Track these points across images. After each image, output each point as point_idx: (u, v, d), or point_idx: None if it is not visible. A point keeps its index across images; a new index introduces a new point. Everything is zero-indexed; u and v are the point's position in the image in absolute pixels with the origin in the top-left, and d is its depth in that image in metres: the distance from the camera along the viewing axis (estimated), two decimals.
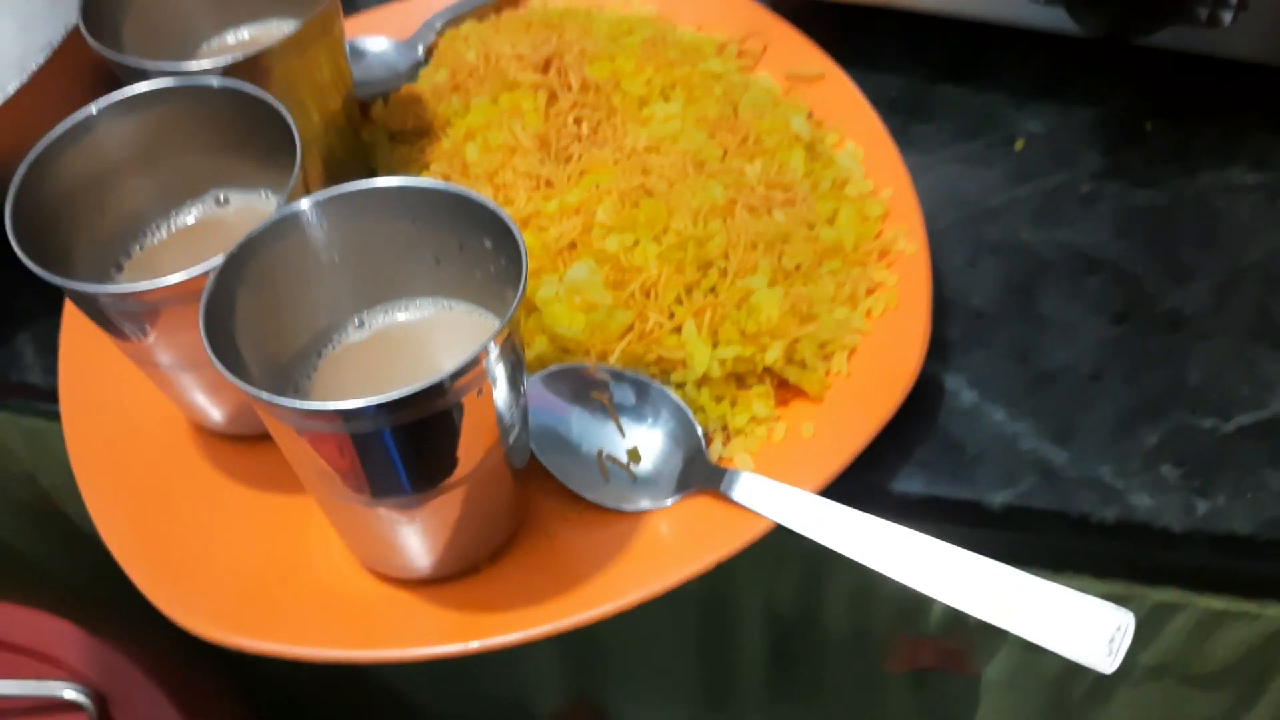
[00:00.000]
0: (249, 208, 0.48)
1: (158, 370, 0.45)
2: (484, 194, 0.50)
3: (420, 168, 0.54)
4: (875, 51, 0.60)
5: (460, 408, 0.37)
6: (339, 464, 0.37)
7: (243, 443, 0.48)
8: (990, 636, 0.53)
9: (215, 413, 0.47)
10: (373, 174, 0.56)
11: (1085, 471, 0.46)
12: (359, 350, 0.43)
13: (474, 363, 0.35)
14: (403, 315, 0.44)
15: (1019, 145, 0.56)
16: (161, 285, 0.39)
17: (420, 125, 0.56)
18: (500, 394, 0.38)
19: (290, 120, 0.43)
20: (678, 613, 0.43)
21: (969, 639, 0.54)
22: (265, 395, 0.34)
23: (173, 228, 0.48)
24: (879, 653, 0.58)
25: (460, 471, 0.39)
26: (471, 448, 0.39)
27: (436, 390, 0.35)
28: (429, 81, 0.58)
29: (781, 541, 0.43)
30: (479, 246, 0.41)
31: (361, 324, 0.44)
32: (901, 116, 0.58)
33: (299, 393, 0.42)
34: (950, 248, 0.53)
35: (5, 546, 0.68)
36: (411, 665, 0.43)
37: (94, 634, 0.64)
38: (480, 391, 0.37)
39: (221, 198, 0.49)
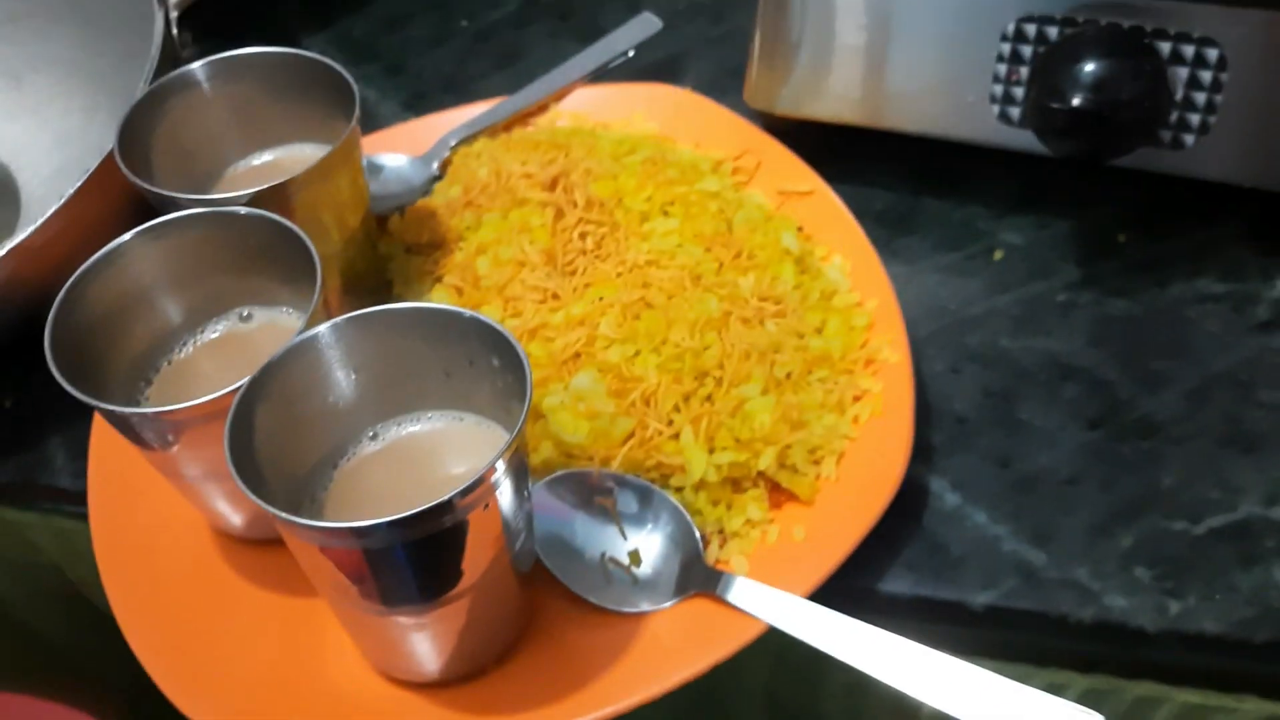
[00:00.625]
0: (272, 323, 0.51)
1: (182, 480, 0.48)
2: (494, 306, 0.53)
3: (434, 280, 0.57)
4: (862, 167, 0.63)
5: (468, 523, 0.39)
6: (352, 576, 0.40)
7: (261, 547, 0.51)
8: None
9: (235, 519, 0.50)
10: (389, 285, 0.59)
11: (1063, 573, 0.48)
12: (373, 462, 0.46)
13: (480, 481, 0.38)
14: (415, 427, 0.47)
15: (998, 256, 0.59)
16: (187, 406, 0.42)
17: (434, 238, 0.59)
18: (506, 506, 0.41)
19: (311, 246, 0.46)
20: (675, 703, 0.45)
21: None
22: (284, 515, 0.37)
23: (199, 342, 0.51)
24: None
25: (469, 580, 0.41)
26: (480, 557, 0.41)
27: (445, 508, 0.37)
28: (443, 196, 0.62)
29: (779, 637, 0.45)
30: (487, 363, 0.44)
31: (375, 436, 0.47)
32: (887, 229, 0.61)
33: (315, 504, 0.44)
34: (933, 355, 0.56)
35: (30, 633, 0.70)
36: None
37: None
38: (487, 506, 0.39)
39: (245, 314, 0.52)
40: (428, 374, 0.46)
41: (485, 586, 0.42)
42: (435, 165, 0.65)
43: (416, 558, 0.39)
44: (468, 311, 0.43)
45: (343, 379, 0.45)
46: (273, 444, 0.42)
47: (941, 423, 0.53)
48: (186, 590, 0.50)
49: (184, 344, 0.51)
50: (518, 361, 0.41)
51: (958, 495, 0.51)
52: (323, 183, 0.51)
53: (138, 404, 0.49)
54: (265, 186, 0.49)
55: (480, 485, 0.38)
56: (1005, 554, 0.49)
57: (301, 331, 0.43)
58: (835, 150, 0.62)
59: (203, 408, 0.42)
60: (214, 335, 0.51)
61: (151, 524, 0.52)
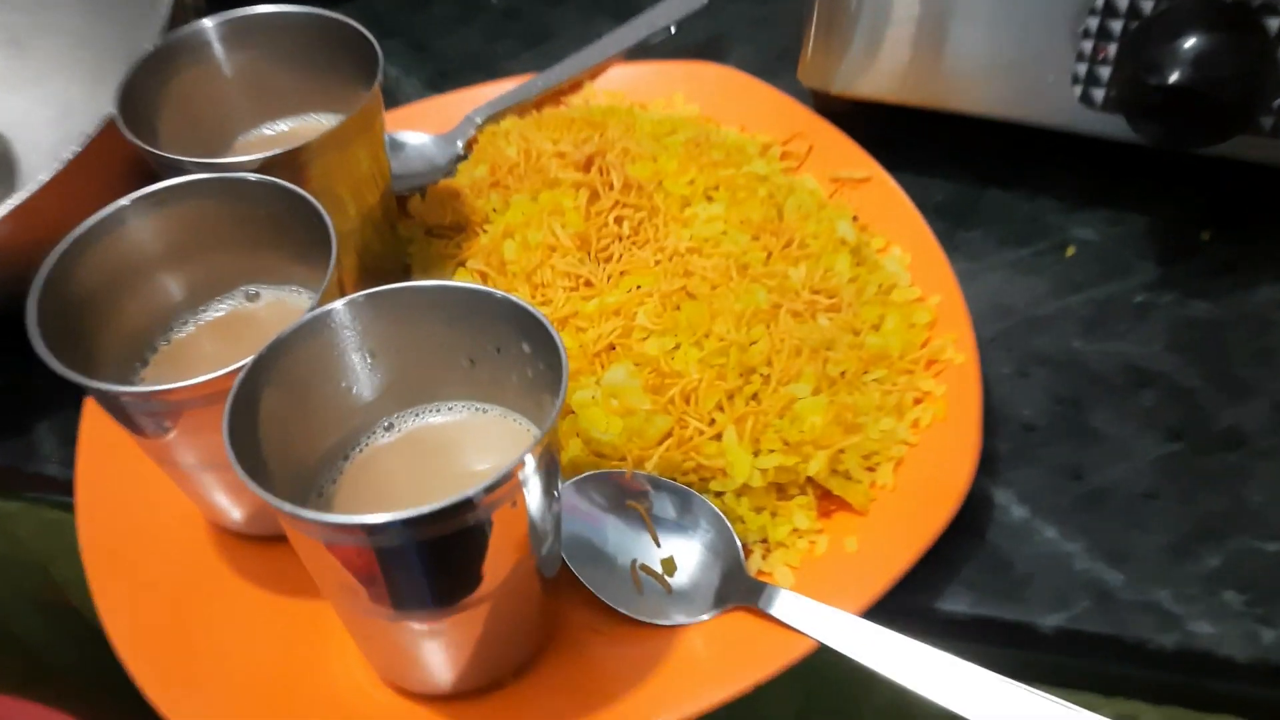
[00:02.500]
0: (280, 302, 0.47)
1: (178, 469, 0.43)
2: (521, 294, 0.49)
3: (456, 264, 0.53)
4: (921, 155, 0.59)
5: (491, 522, 0.35)
6: (361, 577, 0.35)
7: (261, 544, 0.47)
8: None
9: (234, 513, 0.46)
10: (408, 269, 0.55)
11: (1143, 595, 0.44)
12: (388, 454, 0.42)
13: (508, 476, 0.33)
14: (435, 418, 0.43)
15: (1070, 253, 0.55)
16: (185, 386, 0.38)
17: (458, 220, 0.55)
18: (534, 505, 0.36)
19: (326, 217, 0.42)
20: None
21: None
22: (288, 507, 0.33)
23: (201, 321, 0.47)
24: None
25: (489, 585, 0.37)
26: (502, 561, 0.37)
27: (467, 505, 0.33)
28: (468, 176, 0.57)
29: (820, 656, 0.40)
30: (516, 351, 0.40)
31: (391, 426, 0.43)
32: (948, 221, 0.57)
33: (323, 497, 0.40)
34: (998, 357, 0.51)
35: (15, 639, 0.66)
36: None
37: None
38: (515, 504, 0.35)
39: (252, 292, 0.48)
40: (450, 360, 0.42)
41: (506, 592, 0.38)
42: (460, 144, 0.61)
43: (433, 559, 0.34)
44: (498, 292, 0.39)
45: (357, 362, 0.41)
46: (277, 431, 0.38)
47: (1007, 430, 0.49)
48: (179, 590, 0.46)
49: (184, 323, 0.47)
50: (552, 348, 0.37)
51: (1025, 509, 0.46)
52: (340, 152, 0.47)
53: (131, 385, 0.45)
54: (277, 152, 0.45)
55: (508, 481, 0.34)
56: (1077, 573, 0.44)
57: (314, 308, 0.39)
58: (893, 136, 0.58)
59: (201, 388, 0.38)
60: (218, 314, 0.47)
61: (144, 517, 0.48)
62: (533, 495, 0.36)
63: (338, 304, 0.39)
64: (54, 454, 0.53)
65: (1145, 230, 0.55)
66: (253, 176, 0.44)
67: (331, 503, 0.40)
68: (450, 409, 0.43)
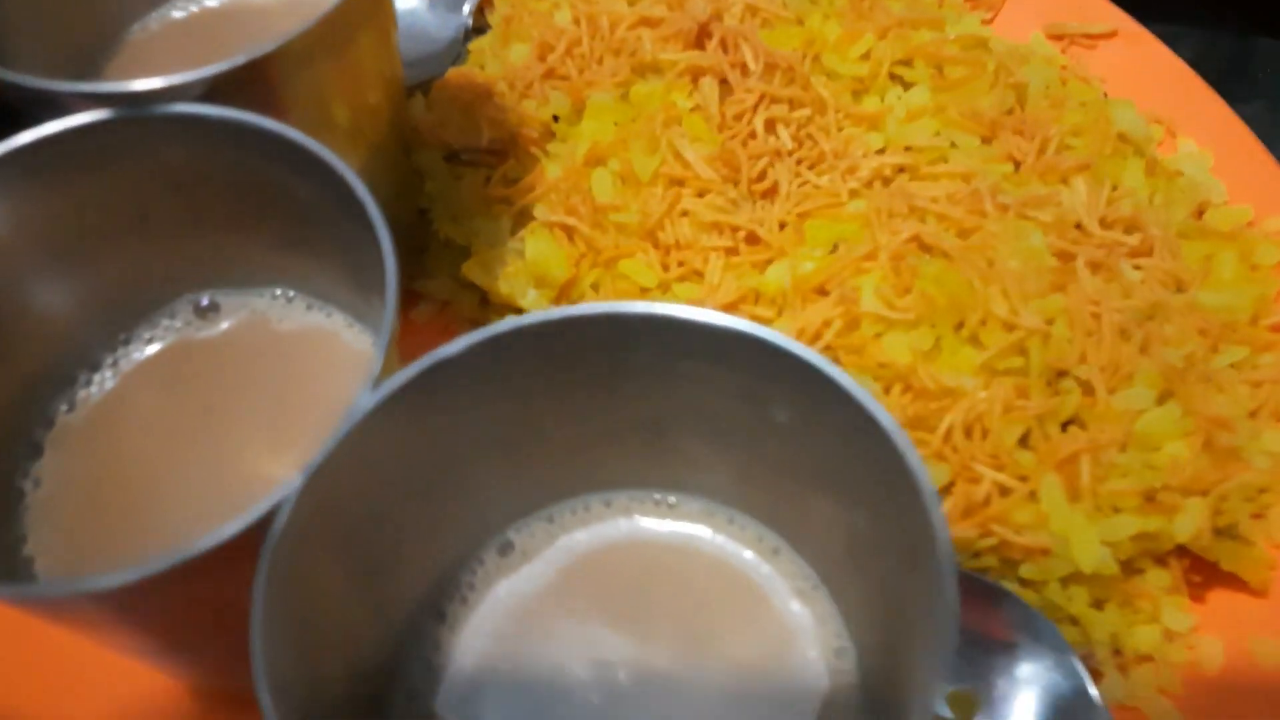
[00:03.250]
0: (252, 322, 0.27)
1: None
2: (641, 260, 0.31)
3: (514, 213, 0.33)
4: None
5: None
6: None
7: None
8: None
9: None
10: (425, 220, 0.35)
11: None
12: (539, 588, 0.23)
13: None
14: (585, 534, 0.24)
15: None
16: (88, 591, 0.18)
17: (499, 138, 0.35)
18: None
19: (354, 180, 0.23)
20: None
21: None
22: None
23: (125, 363, 0.27)
24: None
25: None
26: None
27: None
28: (497, 60, 0.37)
29: None
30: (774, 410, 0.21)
31: (510, 548, 0.24)
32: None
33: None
34: None
35: None
36: None
37: None
38: None
39: (204, 303, 0.28)
40: (626, 429, 0.23)
41: None
42: (466, 9, 0.40)
43: None
44: (746, 326, 0.20)
45: (454, 461, 0.22)
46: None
47: None
48: None
49: (98, 370, 0.27)
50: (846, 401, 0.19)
51: None
52: (340, 49, 0.27)
53: (27, 475, 0.25)
54: (240, 62, 0.24)
55: None
56: None
57: (377, 380, 0.20)
58: None
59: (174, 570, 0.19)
60: (155, 349, 0.27)
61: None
62: None
63: (418, 370, 0.20)
64: None
65: None
66: (203, 110, 0.24)
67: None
68: (608, 504, 0.25)
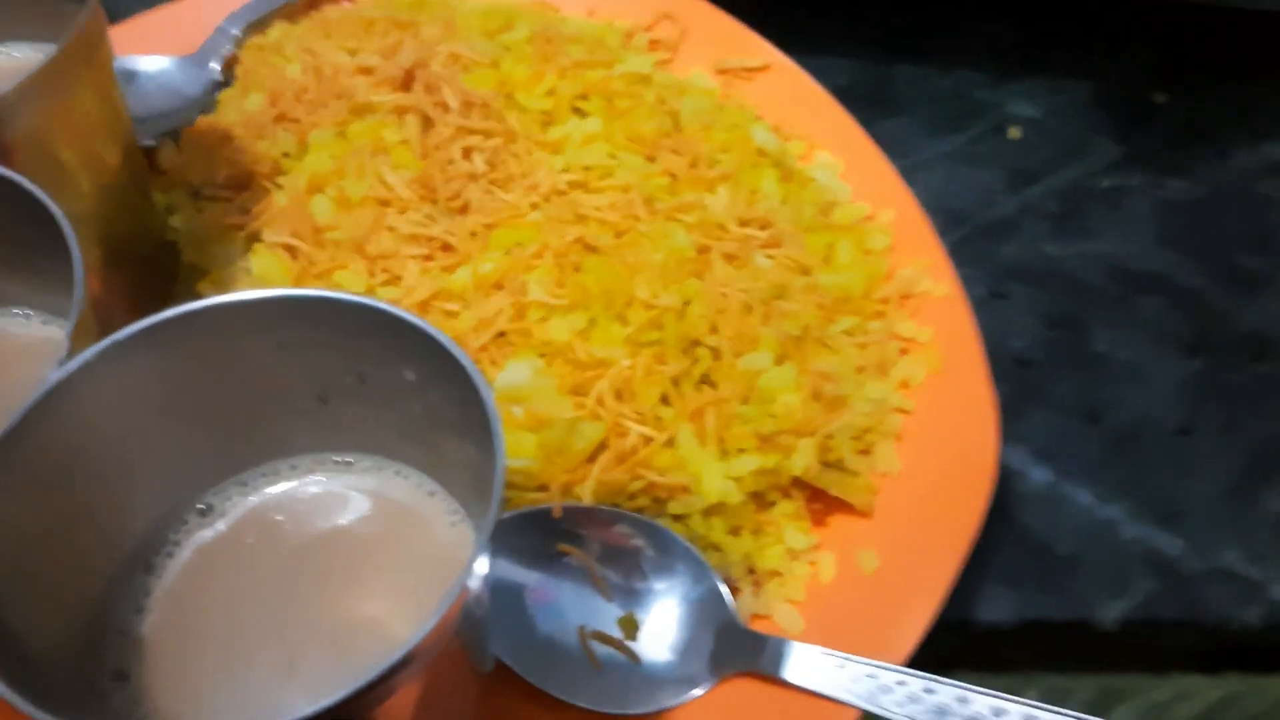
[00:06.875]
0: None
1: None
2: (352, 271, 0.35)
3: (247, 238, 0.38)
4: (810, 31, 0.47)
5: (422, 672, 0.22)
6: None
7: None
8: None
9: None
10: (174, 252, 0.39)
11: (1208, 561, 0.35)
12: (215, 556, 0.28)
13: (443, 620, 0.21)
14: (277, 487, 0.29)
15: (1014, 134, 0.45)
16: None
17: (235, 174, 0.40)
18: (473, 635, 0.24)
19: (52, 206, 0.27)
20: None
21: None
22: None
23: None
24: None
25: None
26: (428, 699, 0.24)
27: (380, 682, 0.20)
28: (236, 109, 0.42)
29: None
30: (393, 376, 0.26)
31: (210, 509, 0.28)
32: (858, 110, 0.45)
33: (124, 648, 0.26)
34: (964, 276, 0.41)
35: None
36: None
37: None
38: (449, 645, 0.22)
39: None
40: (290, 402, 0.28)
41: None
42: (215, 65, 0.45)
43: None
44: (345, 295, 0.25)
45: (147, 427, 0.26)
46: (24, 568, 0.24)
47: (1000, 368, 0.39)
48: None
49: None
50: (450, 363, 0.24)
51: (1047, 469, 0.37)
52: (55, 99, 0.31)
53: None
54: None
55: (438, 628, 0.21)
56: (1127, 544, 0.36)
57: (65, 360, 0.25)
58: (772, 9, 0.45)
59: None
60: None
61: None
62: (471, 623, 0.23)
63: (99, 350, 0.25)
64: None
65: (1091, 98, 0.46)
66: None
67: (141, 658, 0.26)
68: (295, 467, 0.29)
